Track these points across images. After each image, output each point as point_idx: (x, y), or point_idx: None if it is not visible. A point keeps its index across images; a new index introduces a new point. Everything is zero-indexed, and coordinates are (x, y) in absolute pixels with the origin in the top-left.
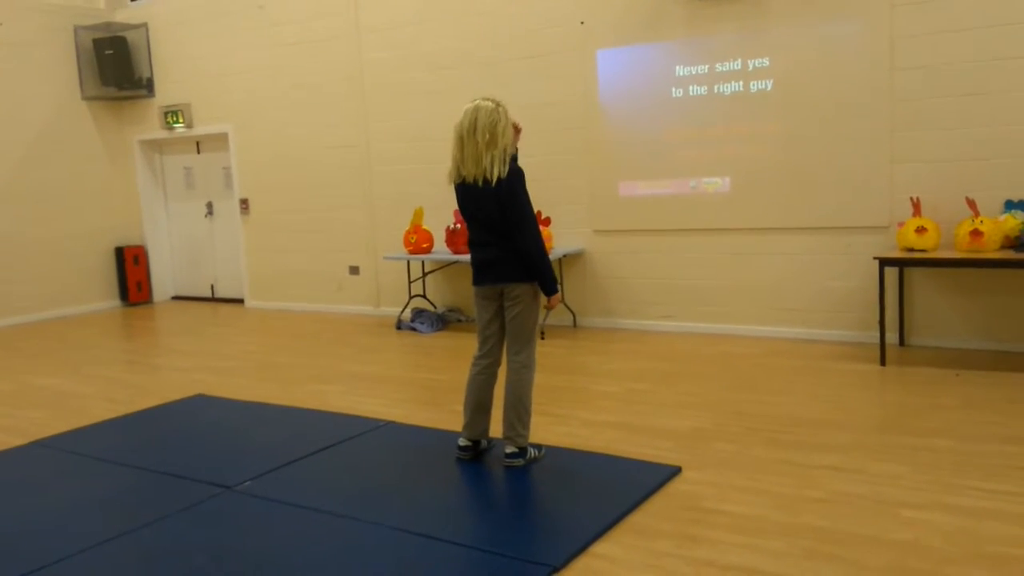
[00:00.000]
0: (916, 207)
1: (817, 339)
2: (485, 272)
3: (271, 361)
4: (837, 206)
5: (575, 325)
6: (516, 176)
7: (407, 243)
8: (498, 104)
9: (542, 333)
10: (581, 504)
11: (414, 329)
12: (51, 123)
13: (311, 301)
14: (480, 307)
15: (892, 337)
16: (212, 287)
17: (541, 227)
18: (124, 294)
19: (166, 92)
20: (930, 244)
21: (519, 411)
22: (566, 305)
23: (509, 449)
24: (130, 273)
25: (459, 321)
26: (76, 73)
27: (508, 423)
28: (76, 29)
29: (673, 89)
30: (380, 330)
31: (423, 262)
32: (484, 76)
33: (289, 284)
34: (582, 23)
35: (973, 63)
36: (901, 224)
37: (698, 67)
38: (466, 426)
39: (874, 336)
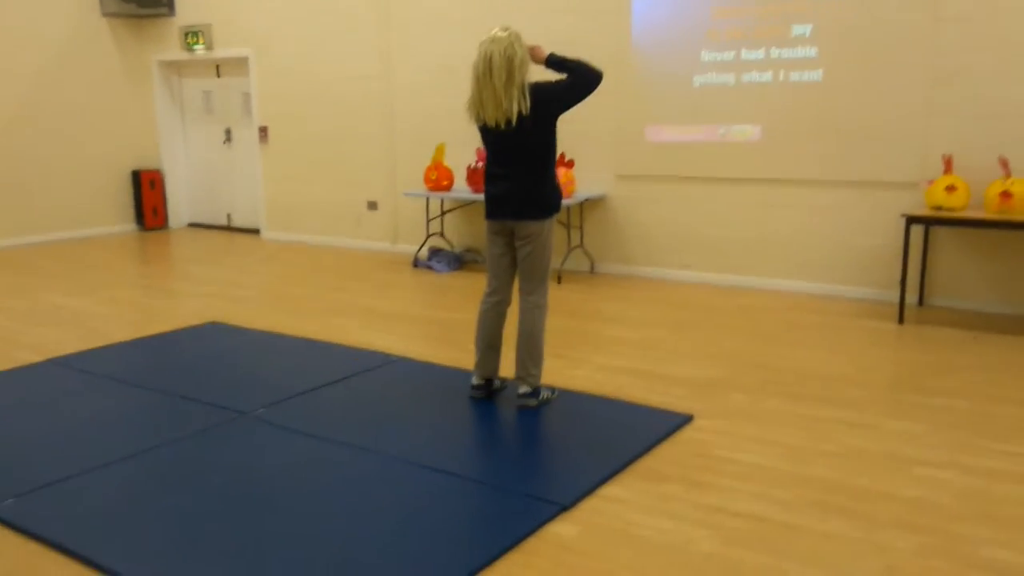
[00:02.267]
0: (947, 165)
1: (838, 295)
2: (499, 206)
3: (286, 292)
4: (868, 160)
5: (592, 271)
6: (538, 96)
7: (427, 180)
8: (511, 34)
9: (558, 277)
10: (592, 447)
11: (430, 267)
12: (68, 40)
13: (328, 234)
14: (491, 242)
15: (912, 297)
16: (229, 216)
17: (564, 170)
18: (140, 218)
19: (187, 11)
20: (959, 203)
21: (532, 352)
22: (585, 251)
23: (522, 389)
24: (146, 197)
25: (476, 261)
26: None
27: (521, 363)
28: None
29: (709, 31)
30: (396, 267)
31: (442, 200)
32: (513, 7)
33: (306, 216)
34: None
35: (1017, 13)
36: (931, 182)
37: (736, 8)
38: (478, 364)
39: (896, 295)
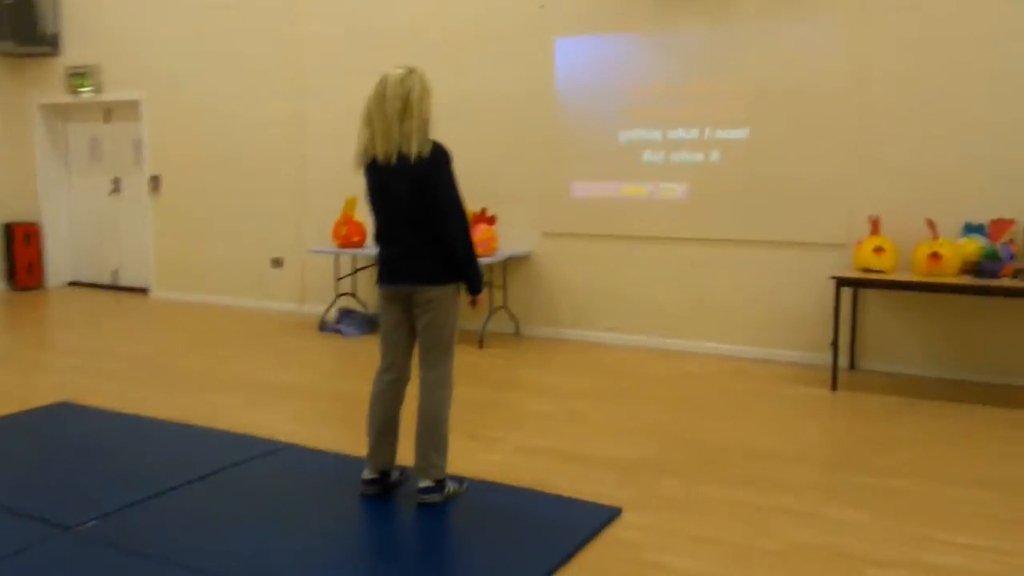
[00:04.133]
0: (875, 226)
1: (770, 358)
2: (394, 269)
3: (166, 364)
4: (796, 220)
5: (518, 334)
6: (441, 154)
7: (336, 236)
8: (411, 70)
9: (480, 341)
10: (504, 552)
11: (339, 331)
12: None
13: (227, 294)
14: (385, 310)
15: (843, 360)
16: (115, 273)
17: (485, 226)
18: (12, 276)
19: (73, 51)
20: (887, 265)
21: (434, 439)
22: (509, 312)
23: (423, 483)
24: (19, 253)
25: None
26: None
27: (421, 453)
28: None
29: (634, 85)
30: (301, 331)
31: (354, 257)
32: (433, 58)
33: (203, 274)
34: (541, 7)
35: (945, 77)
36: (859, 243)
37: (662, 63)
38: (370, 455)
39: (826, 358)
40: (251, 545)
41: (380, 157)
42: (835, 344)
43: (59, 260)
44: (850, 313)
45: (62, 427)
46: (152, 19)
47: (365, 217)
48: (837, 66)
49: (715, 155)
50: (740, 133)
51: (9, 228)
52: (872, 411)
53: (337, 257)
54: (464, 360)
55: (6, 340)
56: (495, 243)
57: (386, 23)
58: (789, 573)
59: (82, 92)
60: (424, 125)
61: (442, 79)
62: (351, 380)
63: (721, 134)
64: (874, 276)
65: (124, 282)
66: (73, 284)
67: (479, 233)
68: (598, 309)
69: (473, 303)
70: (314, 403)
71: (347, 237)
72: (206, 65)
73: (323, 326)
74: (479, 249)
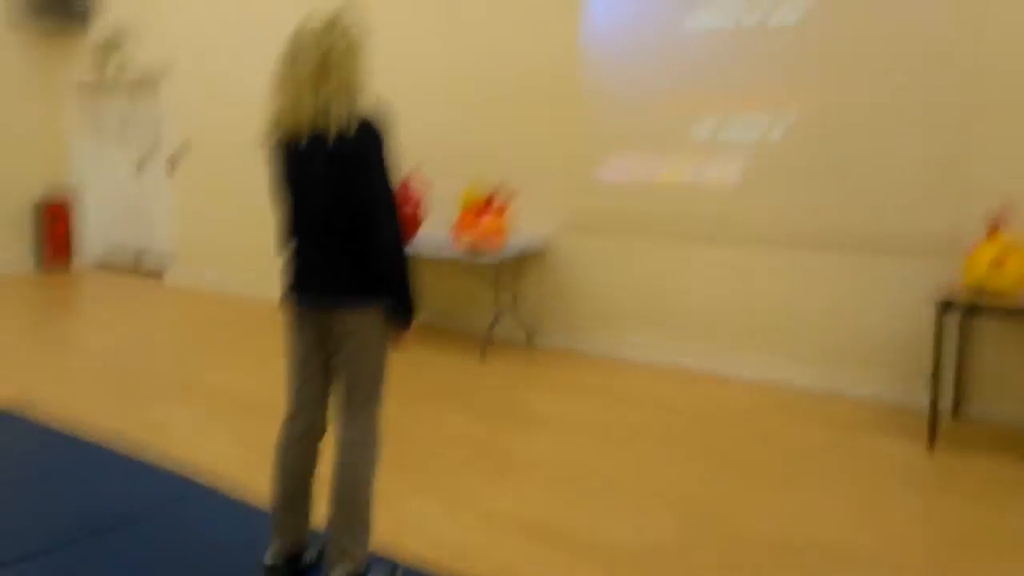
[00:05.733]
0: (994, 228)
1: (839, 392)
2: (305, 283)
3: (136, 364)
4: (883, 217)
5: (530, 343)
6: (373, 131)
7: None
8: (336, 18)
9: (483, 350)
10: None
11: None
12: None
13: (241, 281)
14: (294, 338)
15: (943, 402)
16: (139, 255)
17: (493, 216)
18: (41, 257)
19: (106, 27)
20: (1009, 282)
21: (350, 518)
22: (519, 317)
23: (336, 573)
24: (50, 233)
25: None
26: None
27: (336, 533)
28: None
29: (679, 40)
30: None
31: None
32: (429, 10)
33: (218, 259)
34: None
35: None
36: (971, 250)
37: (715, 11)
38: (273, 533)
39: (917, 399)
40: None
41: (290, 132)
42: (935, 381)
43: (89, 241)
44: (956, 342)
45: None
46: None
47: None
48: (944, 16)
49: (778, 130)
50: (813, 100)
51: (42, 208)
52: (989, 483)
53: None
54: (458, 374)
55: None
56: (502, 236)
57: None
58: None
59: (110, 66)
60: (350, 90)
61: (439, 37)
62: None
63: (787, 101)
64: (990, 301)
65: (151, 264)
66: (101, 266)
67: (483, 225)
68: (626, 318)
69: (398, 341)
70: (272, 423)
71: None
72: (229, 39)
73: None
74: (483, 241)
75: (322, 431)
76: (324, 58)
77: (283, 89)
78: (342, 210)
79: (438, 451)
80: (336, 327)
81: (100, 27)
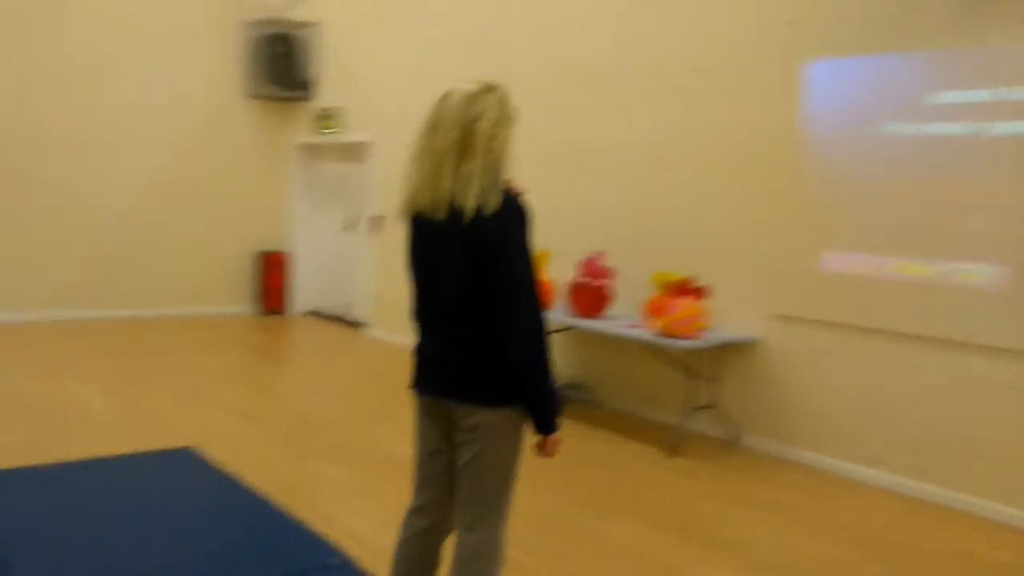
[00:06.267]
0: None
1: None
2: (430, 373)
3: (317, 417)
4: None
5: (733, 443)
6: (514, 212)
7: None
8: (489, 87)
9: (674, 446)
10: None
11: None
12: (210, 117)
13: None
14: (421, 427)
15: None
16: (348, 307)
17: (692, 299)
18: (260, 301)
19: (323, 95)
20: None
21: None
22: (720, 413)
23: None
24: (269, 280)
25: (585, 401)
26: (240, 69)
27: None
28: (246, 23)
29: (920, 123)
30: None
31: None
32: (647, 90)
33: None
34: (791, 22)
35: None
36: None
37: (964, 93)
38: None
39: None
40: None
41: (425, 209)
42: None
43: (302, 289)
44: None
45: (165, 483)
46: (389, 64)
47: (559, 274)
48: None
49: None
50: None
51: (262, 256)
52: None
53: None
54: (638, 471)
55: (200, 361)
56: (701, 322)
57: (584, 53)
58: None
59: (327, 133)
60: (494, 168)
61: (648, 115)
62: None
63: None
64: None
65: (356, 316)
66: (312, 313)
67: (680, 309)
68: (850, 428)
69: (542, 446)
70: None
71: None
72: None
73: None
74: (679, 328)
75: (447, 531)
76: (469, 130)
77: (421, 160)
78: (474, 296)
79: (596, 566)
80: (460, 425)
81: (320, 95)
